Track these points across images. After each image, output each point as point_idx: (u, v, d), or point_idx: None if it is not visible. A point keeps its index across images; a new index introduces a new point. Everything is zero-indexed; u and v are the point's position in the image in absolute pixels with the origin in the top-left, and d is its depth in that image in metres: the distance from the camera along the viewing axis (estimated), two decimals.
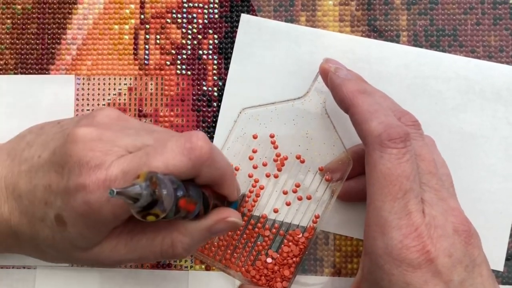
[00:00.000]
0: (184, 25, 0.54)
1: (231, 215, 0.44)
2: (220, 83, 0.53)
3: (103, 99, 0.54)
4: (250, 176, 0.51)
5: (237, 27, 0.54)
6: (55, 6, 0.54)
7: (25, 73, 0.54)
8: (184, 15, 0.54)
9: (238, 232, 0.51)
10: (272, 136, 0.51)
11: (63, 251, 0.43)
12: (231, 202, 0.47)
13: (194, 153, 0.39)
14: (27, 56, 0.54)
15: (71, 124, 0.44)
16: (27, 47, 0.54)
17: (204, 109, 0.53)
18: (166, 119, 0.53)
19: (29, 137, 0.46)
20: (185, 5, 0.54)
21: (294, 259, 0.50)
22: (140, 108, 0.53)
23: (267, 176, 0.51)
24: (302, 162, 0.51)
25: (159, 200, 0.34)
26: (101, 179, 0.38)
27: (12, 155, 0.45)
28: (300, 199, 0.51)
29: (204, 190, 0.42)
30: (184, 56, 0.54)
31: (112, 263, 0.43)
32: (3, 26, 0.54)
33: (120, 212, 0.39)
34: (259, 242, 0.51)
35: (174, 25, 0.54)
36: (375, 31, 0.54)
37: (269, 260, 0.50)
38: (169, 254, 0.42)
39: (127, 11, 0.54)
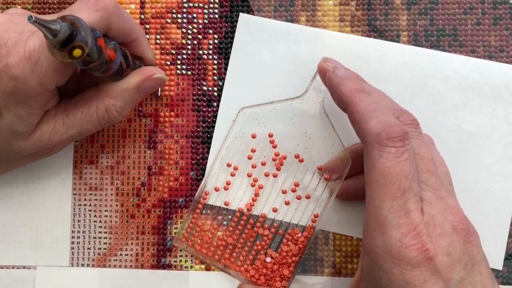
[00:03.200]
0: (184, 25, 0.54)
1: (156, 71, 0.48)
2: (220, 83, 0.53)
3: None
4: (249, 175, 0.51)
5: (236, 27, 0.54)
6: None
7: None
8: (184, 15, 0.54)
9: (237, 231, 0.51)
10: (271, 136, 0.51)
11: (4, 144, 0.45)
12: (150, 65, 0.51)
13: (99, 4, 0.43)
14: None
15: None
16: None
17: (204, 109, 0.53)
18: (166, 119, 0.53)
19: None
20: (185, 5, 0.54)
21: (293, 258, 0.50)
22: (140, 108, 0.53)
23: (266, 175, 0.51)
24: (301, 161, 0.51)
25: (78, 31, 0.38)
26: (21, 52, 0.41)
27: None
28: (299, 198, 0.51)
29: (122, 47, 0.46)
30: (184, 56, 0.54)
31: (55, 144, 0.46)
32: None
33: (46, 80, 0.42)
34: (258, 242, 0.51)
35: (174, 25, 0.54)
36: (375, 31, 0.54)
37: (268, 259, 0.50)
38: (106, 119, 0.47)
39: (127, 11, 0.54)
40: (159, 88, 0.53)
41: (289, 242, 0.50)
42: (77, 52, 0.38)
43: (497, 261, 0.51)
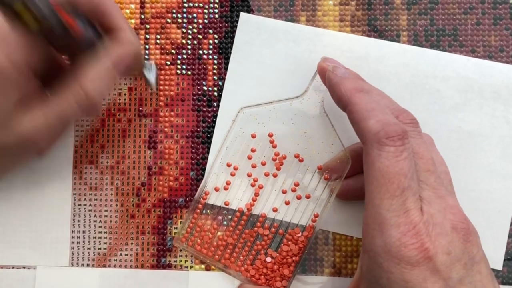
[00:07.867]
0: (184, 25, 0.54)
1: (131, 43, 0.46)
2: (220, 83, 0.53)
3: (103, 99, 0.54)
4: (249, 175, 0.51)
5: (237, 26, 0.54)
6: None
7: None
8: (184, 15, 0.54)
9: (237, 231, 0.51)
10: (270, 135, 0.51)
11: None
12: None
13: None
14: None
15: None
16: None
17: (204, 109, 0.53)
18: (166, 119, 0.53)
19: None
20: (185, 5, 0.54)
21: (293, 258, 0.50)
22: (140, 108, 0.53)
23: (266, 175, 0.51)
24: (301, 161, 0.51)
25: None
26: None
27: None
28: (299, 198, 0.51)
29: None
30: (184, 56, 0.54)
31: (37, 134, 0.44)
32: None
33: (17, 58, 0.41)
34: (258, 242, 0.51)
35: (174, 25, 0.54)
36: (376, 31, 0.54)
37: (268, 259, 0.50)
38: (86, 103, 0.44)
39: (127, 11, 0.54)
40: (154, 81, 0.52)
41: (289, 242, 0.50)
42: (21, 10, 0.37)
43: (497, 261, 0.51)
